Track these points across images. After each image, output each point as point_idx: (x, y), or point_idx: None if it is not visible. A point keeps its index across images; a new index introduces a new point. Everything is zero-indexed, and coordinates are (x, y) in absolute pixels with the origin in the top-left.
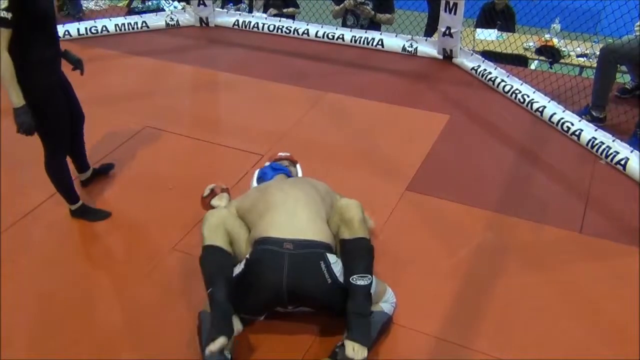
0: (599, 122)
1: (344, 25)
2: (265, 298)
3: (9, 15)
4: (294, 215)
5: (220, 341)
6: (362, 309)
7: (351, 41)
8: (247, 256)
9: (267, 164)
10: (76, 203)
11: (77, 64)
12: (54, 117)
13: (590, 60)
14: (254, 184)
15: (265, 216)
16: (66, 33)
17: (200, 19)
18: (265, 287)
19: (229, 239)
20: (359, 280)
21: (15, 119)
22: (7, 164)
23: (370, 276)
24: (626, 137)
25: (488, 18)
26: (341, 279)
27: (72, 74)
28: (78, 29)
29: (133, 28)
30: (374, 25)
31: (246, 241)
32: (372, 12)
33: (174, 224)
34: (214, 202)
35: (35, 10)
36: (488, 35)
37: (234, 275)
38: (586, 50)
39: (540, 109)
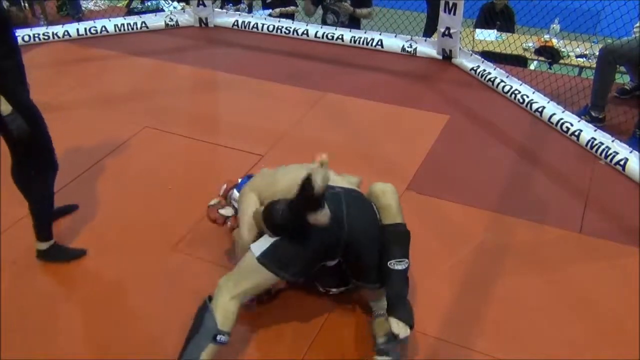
0: (598, 123)
1: (324, 23)
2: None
3: None
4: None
5: None
6: (402, 292)
7: (350, 41)
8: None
9: (245, 176)
10: (50, 240)
11: None
12: (35, 129)
13: (590, 60)
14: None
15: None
16: (65, 33)
17: (200, 19)
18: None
19: None
20: (397, 265)
21: (10, 126)
22: (6, 164)
23: (407, 260)
24: (625, 137)
25: (487, 18)
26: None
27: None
28: (77, 30)
29: (132, 28)
30: (354, 22)
31: None
32: (351, 8)
33: (173, 224)
34: (223, 211)
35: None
36: (487, 36)
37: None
38: (585, 50)
39: (540, 109)
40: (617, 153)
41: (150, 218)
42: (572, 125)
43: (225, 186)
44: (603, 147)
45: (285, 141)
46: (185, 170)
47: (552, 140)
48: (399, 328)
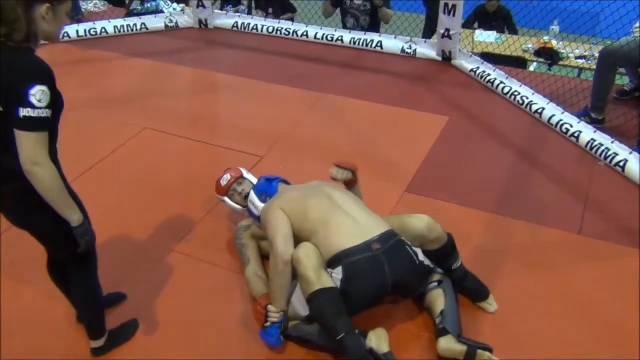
0: (598, 124)
1: (344, 27)
2: (373, 299)
3: (49, 113)
4: (355, 218)
5: None
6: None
7: (350, 43)
8: (341, 275)
9: (262, 178)
10: (104, 334)
11: None
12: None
13: (589, 62)
14: (257, 203)
15: (327, 227)
16: (65, 35)
17: (199, 21)
18: (373, 291)
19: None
20: (455, 265)
21: (78, 240)
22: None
23: (459, 259)
24: (625, 138)
25: (480, 21)
26: (420, 257)
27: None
28: (77, 31)
29: (132, 30)
30: (374, 26)
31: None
32: (381, 2)
33: (173, 225)
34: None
35: (59, 101)
36: (487, 37)
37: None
38: (585, 52)
39: (539, 111)
40: (617, 154)
41: (150, 219)
42: (571, 126)
43: (228, 175)
44: (602, 148)
45: (285, 142)
46: (184, 171)
47: (552, 142)
48: (492, 305)
